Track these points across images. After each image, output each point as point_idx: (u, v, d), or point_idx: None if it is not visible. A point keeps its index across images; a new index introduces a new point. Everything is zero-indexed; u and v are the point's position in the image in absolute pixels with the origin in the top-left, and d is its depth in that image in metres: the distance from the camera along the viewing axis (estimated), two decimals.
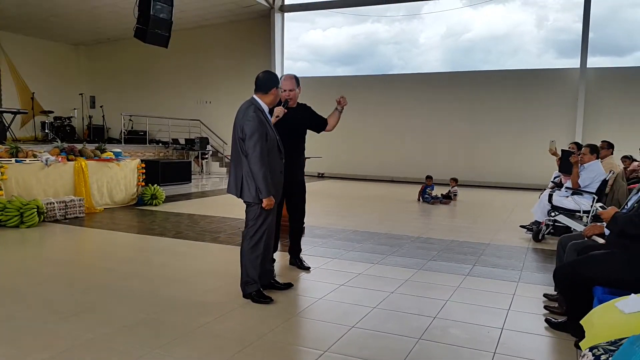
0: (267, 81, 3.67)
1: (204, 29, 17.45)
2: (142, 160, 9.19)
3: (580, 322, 2.11)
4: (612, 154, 7.69)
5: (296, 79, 4.28)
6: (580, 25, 13.58)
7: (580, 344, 2.00)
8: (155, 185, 8.81)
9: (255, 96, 3.67)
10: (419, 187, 10.60)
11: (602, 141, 7.71)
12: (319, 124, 4.52)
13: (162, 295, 3.77)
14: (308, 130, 4.58)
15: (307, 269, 4.61)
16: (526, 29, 15.60)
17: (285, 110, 4.02)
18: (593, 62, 13.66)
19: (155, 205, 8.52)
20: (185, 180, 12.61)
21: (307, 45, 18.35)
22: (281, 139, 3.81)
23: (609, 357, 1.55)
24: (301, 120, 4.40)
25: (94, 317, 3.27)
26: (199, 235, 6.14)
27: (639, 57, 14.23)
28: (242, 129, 3.53)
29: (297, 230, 4.66)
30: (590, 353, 1.63)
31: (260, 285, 3.68)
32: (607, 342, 1.64)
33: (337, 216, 7.44)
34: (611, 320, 1.94)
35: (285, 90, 4.19)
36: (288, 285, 3.97)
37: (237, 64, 17.02)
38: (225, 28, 17.33)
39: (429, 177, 10.47)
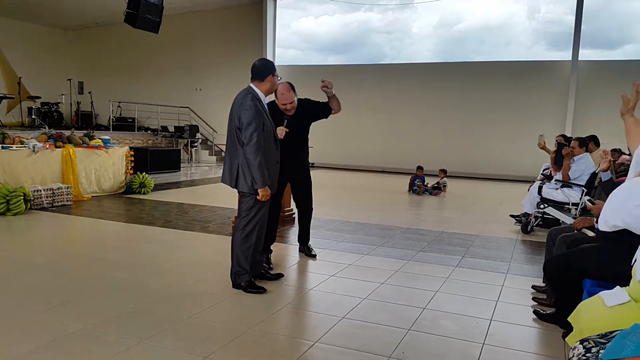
0: (262, 69, 3.62)
1: (195, 15, 17.24)
2: (130, 148, 9.10)
3: (568, 319, 2.12)
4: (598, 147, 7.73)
5: (292, 87, 4.13)
6: (571, 17, 13.60)
7: (567, 339, 2.01)
8: (144, 173, 8.74)
9: (251, 84, 3.62)
10: (409, 178, 10.61)
11: (588, 136, 7.74)
12: (323, 111, 4.41)
13: (151, 285, 3.74)
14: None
15: (314, 256, 4.70)
16: (518, 21, 15.61)
17: (287, 130, 3.95)
18: (584, 54, 13.70)
19: (144, 193, 8.46)
20: (175, 169, 12.53)
21: (299, 33, 18.22)
22: (286, 141, 3.84)
23: (600, 349, 1.56)
24: (304, 118, 4.33)
25: (82, 307, 3.24)
26: (188, 224, 6.11)
27: (629, 50, 14.32)
28: (239, 118, 3.49)
29: (305, 219, 4.73)
30: (581, 346, 1.63)
31: (251, 275, 3.67)
32: (597, 335, 1.65)
33: (327, 207, 7.43)
34: (596, 314, 1.94)
35: (285, 104, 4.06)
36: (278, 276, 3.97)
37: (228, 51, 16.86)
38: (216, 14, 17.13)
39: (419, 168, 10.48)
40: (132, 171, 8.71)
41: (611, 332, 1.64)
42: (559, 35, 14.71)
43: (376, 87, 15.78)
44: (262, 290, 3.61)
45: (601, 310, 1.92)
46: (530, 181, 9.38)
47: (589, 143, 6.78)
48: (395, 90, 15.58)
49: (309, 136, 4.59)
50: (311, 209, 4.74)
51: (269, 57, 15.97)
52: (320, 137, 14.15)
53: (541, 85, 14.01)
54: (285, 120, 4.02)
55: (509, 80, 14.34)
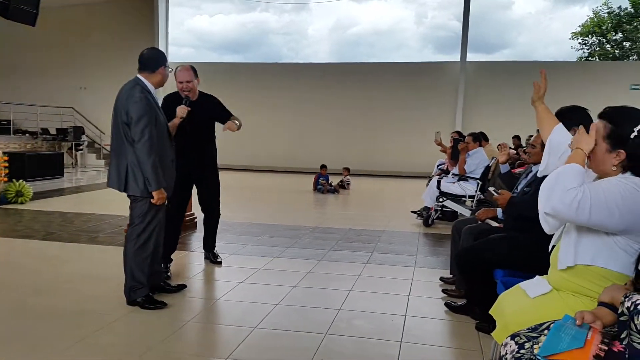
0: (153, 59, 3.27)
1: (79, 8, 15.91)
2: (4, 153, 8.12)
3: (490, 312, 2.07)
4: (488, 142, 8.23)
5: (193, 69, 3.90)
6: (455, 23, 14.56)
7: (494, 335, 1.95)
8: (21, 180, 7.84)
9: (139, 75, 3.25)
10: (314, 177, 10.58)
11: (478, 132, 8.21)
12: (223, 118, 4.16)
13: (32, 305, 3.24)
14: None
15: (219, 263, 4.39)
16: (407, 25, 16.37)
17: (189, 109, 3.65)
18: (470, 56, 14.69)
19: (21, 203, 7.57)
20: (57, 174, 11.58)
21: (193, 31, 17.64)
22: (189, 134, 3.58)
23: (533, 344, 1.50)
24: (207, 112, 4.05)
25: None
26: (73, 235, 5.49)
27: (506, 53, 15.62)
28: (127, 112, 3.10)
29: (211, 223, 4.41)
30: (512, 342, 1.56)
31: (149, 289, 3.30)
32: (527, 329, 1.59)
33: (232, 209, 7.09)
34: (520, 306, 1.89)
35: (182, 82, 3.80)
36: (181, 287, 3.62)
37: (116, 48, 15.75)
38: (102, 8, 15.95)
39: (323, 167, 10.49)
40: (6, 179, 7.78)
41: (540, 325, 1.59)
42: (444, 39, 15.69)
43: (276, 86, 15.65)
44: (162, 305, 3.25)
45: (524, 302, 1.88)
46: (427, 177, 9.77)
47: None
48: (295, 89, 15.56)
49: (215, 134, 4.29)
50: (219, 213, 4.41)
51: None
52: (220, 138, 13.64)
53: (433, 86, 14.80)
54: (186, 100, 3.72)
55: (403, 81, 14.96)
